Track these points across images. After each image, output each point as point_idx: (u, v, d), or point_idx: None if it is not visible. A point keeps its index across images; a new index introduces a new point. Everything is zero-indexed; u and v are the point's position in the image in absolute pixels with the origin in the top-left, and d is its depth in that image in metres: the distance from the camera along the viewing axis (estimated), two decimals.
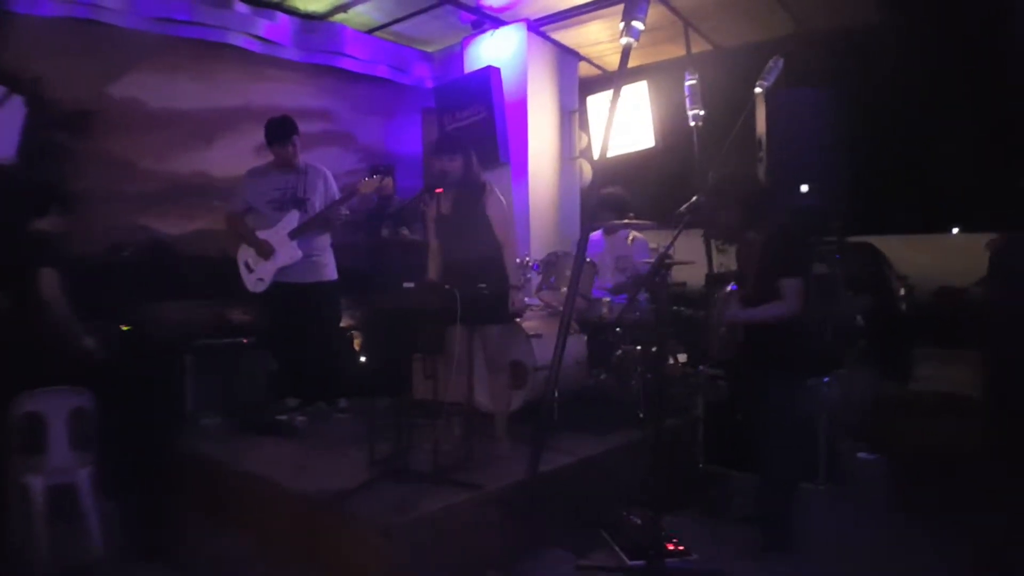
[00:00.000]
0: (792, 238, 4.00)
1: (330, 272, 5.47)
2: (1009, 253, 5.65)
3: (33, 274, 4.26)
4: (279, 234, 5.22)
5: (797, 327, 3.93)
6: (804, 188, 5.50)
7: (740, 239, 4.18)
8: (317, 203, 5.34)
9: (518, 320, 5.31)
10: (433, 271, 4.72)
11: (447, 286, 4.05)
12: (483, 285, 4.18)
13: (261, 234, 5.25)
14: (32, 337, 4.21)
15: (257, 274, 5.28)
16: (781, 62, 5.81)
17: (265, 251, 5.22)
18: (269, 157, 5.39)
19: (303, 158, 5.43)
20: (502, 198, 4.63)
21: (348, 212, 5.38)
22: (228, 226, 5.50)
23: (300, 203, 5.29)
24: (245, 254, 5.33)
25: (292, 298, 5.25)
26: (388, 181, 5.50)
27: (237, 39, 6.79)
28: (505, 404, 4.75)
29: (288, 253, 5.21)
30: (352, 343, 6.43)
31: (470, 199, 4.55)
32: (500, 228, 4.57)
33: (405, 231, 5.91)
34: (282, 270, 5.24)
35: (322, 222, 5.28)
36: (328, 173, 5.53)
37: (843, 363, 5.67)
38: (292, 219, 5.24)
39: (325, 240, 5.45)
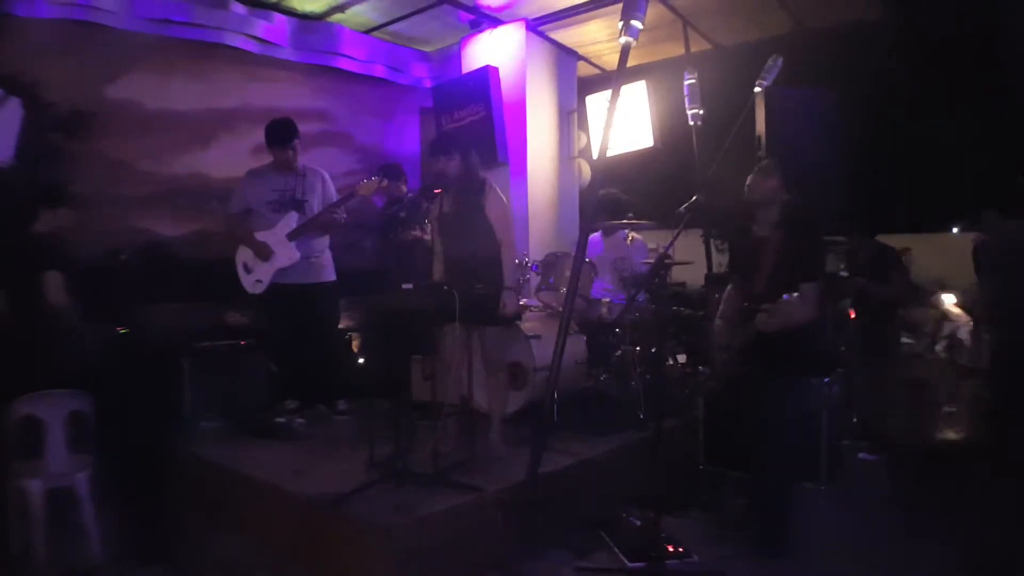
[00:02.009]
0: (817, 239, 4.00)
1: (328, 273, 5.46)
2: (987, 249, 5.66)
3: (38, 277, 4.26)
4: (277, 235, 5.21)
5: (803, 328, 3.93)
6: (804, 187, 5.49)
7: (752, 221, 4.18)
8: (315, 205, 5.33)
9: (517, 321, 5.29)
10: (437, 271, 4.72)
11: (445, 286, 4.04)
12: (480, 285, 4.18)
13: (259, 236, 5.24)
14: (36, 340, 4.21)
15: (255, 275, 5.26)
16: (780, 61, 5.79)
17: (264, 253, 5.20)
18: (267, 158, 5.38)
19: (301, 160, 5.42)
20: (502, 196, 4.61)
21: (346, 215, 5.37)
22: (226, 228, 5.50)
23: (299, 205, 5.28)
24: (243, 255, 5.32)
25: (291, 299, 5.24)
26: (387, 183, 5.49)
27: (234, 40, 6.77)
28: (501, 406, 4.73)
29: (287, 255, 5.20)
30: (350, 344, 6.41)
31: (470, 197, 4.55)
32: (500, 227, 4.55)
33: (417, 231, 5.86)
34: (281, 271, 5.22)
35: (320, 224, 5.27)
36: (326, 175, 5.52)
37: (843, 363, 5.67)
38: (291, 221, 5.23)
39: (324, 241, 5.44)
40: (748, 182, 4.14)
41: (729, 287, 4.41)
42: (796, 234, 4.00)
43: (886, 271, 5.86)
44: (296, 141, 5.31)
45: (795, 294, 3.61)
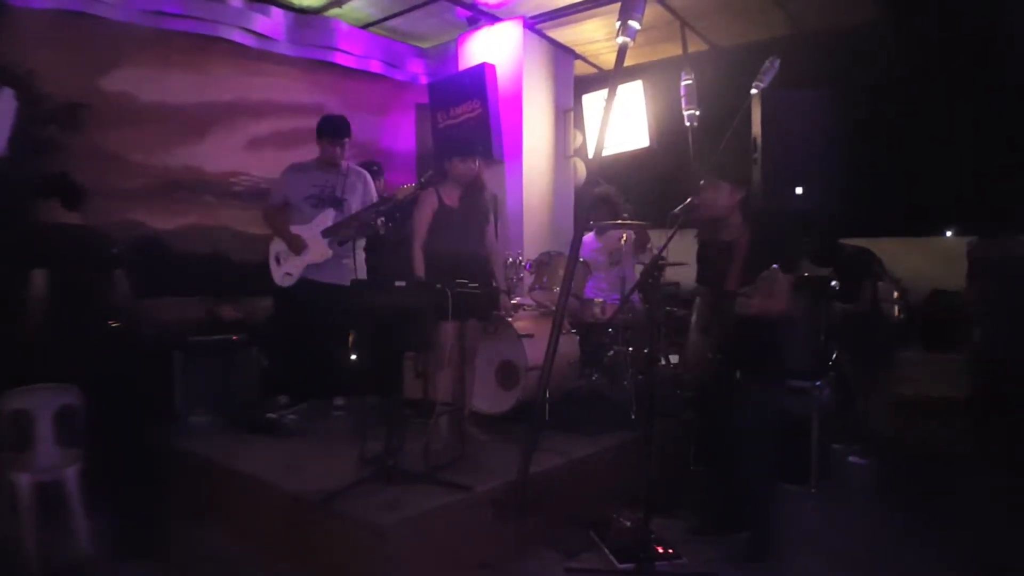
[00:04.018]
0: (780, 237, 3.98)
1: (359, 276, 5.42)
2: (985, 254, 5.68)
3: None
4: (312, 231, 5.23)
5: (778, 328, 3.92)
6: (799, 190, 5.50)
7: (715, 232, 4.16)
8: (354, 205, 5.32)
9: (509, 319, 5.30)
10: (419, 264, 4.70)
11: (439, 284, 4.04)
12: (475, 284, 4.20)
13: (295, 229, 5.27)
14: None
15: (286, 268, 5.29)
16: (777, 63, 5.79)
17: (297, 246, 5.22)
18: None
19: (346, 161, 5.44)
20: None
21: (384, 219, 5.31)
22: (264, 218, 5.53)
23: (337, 203, 5.29)
24: (277, 247, 5.36)
25: (316, 296, 5.23)
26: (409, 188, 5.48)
27: (230, 33, 6.76)
28: (469, 398, 4.78)
29: (319, 251, 5.21)
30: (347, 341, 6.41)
31: (481, 199, 4.69)
32: (491, 230, 4.74)
33: None
34: (312, 268, 5.24)
35: (355, 225, 5.21)
36: (368, 176, 5.55)
37: (835, 367, 5.68)
38: (327, 217, 5.24)
39: (358, 243, 5.42)
40: (702, 200, 4.10)
41: (698, 300, 4.38)
42: (763, 231, 4.00)
43: (857, 280, 5.89)
44: (347, 140, 5.34)
45: (773, 267, 3.58)
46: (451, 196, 4.71)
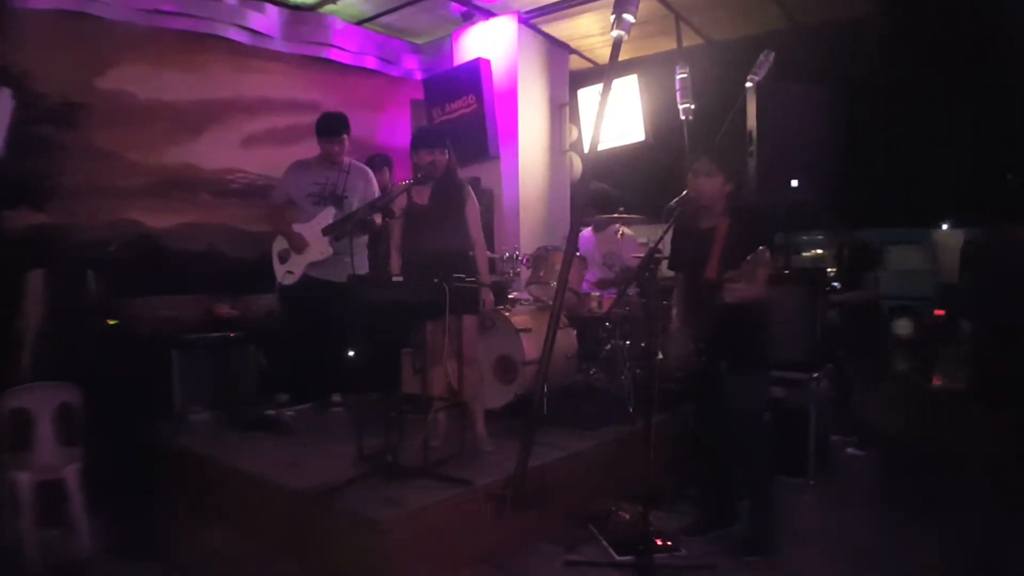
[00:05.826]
0: (761, 226, 3.96)
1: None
2: (980, 247, 5.70)
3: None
4: (313, 229, 5.25)
5: (764, 319, 3.93)
6: (794, 183, 5.51)
7: (694, 219, 4.13)
8: (355, 202, 5.34)
9: (507, 315, 5.30)
10: (395, 263, 4.67)
11: (436, 279, 4.04)
12: (466, 276, 4.19)
13: (297, 227, 5.30)
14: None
15: (288, 267, 5.33)
16: (772, 56, 5.80)
17: (298, 245, 5.25)
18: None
19: (348, 158, 5.46)
20: (476, 200, 4.70)
21: (388, 218, 5.28)
22: (268, 216, 5.59)
23: (338, 200, 5.32)
24: (279, 245, 5.40)
25: (317, 294, 5.25)
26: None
27: (226, 31, 6.74)
28: (480, 399, 4.72)
29: (319, 249, 5.24)
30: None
31: (452, 194, 4.57)
32: (475, 226, 4.63)
33: None
34: (313, 265, 5.27)
35: (355, 222, 5.20)
36: (371, 174, 5.56)
37: (833, 359, 5.70)
38: (328, 215, 5.26)
39: (360, 241, 5.44)
40: (695, 185, 4.08)
41: (675, 291, 4.32)
42: (743, 218, 3.95)
43: (860, 272, 5.92)
44: (345, 136, 5.36)
45: (760, 248, 3.54)
46: (421, 193, 4.57)
